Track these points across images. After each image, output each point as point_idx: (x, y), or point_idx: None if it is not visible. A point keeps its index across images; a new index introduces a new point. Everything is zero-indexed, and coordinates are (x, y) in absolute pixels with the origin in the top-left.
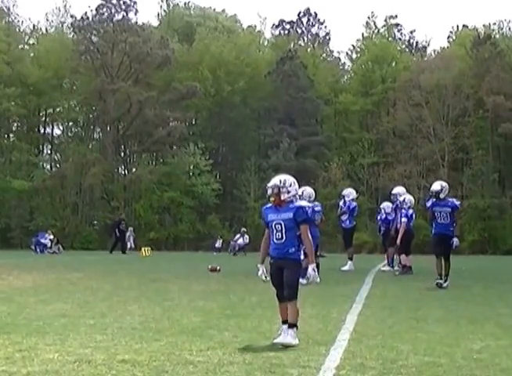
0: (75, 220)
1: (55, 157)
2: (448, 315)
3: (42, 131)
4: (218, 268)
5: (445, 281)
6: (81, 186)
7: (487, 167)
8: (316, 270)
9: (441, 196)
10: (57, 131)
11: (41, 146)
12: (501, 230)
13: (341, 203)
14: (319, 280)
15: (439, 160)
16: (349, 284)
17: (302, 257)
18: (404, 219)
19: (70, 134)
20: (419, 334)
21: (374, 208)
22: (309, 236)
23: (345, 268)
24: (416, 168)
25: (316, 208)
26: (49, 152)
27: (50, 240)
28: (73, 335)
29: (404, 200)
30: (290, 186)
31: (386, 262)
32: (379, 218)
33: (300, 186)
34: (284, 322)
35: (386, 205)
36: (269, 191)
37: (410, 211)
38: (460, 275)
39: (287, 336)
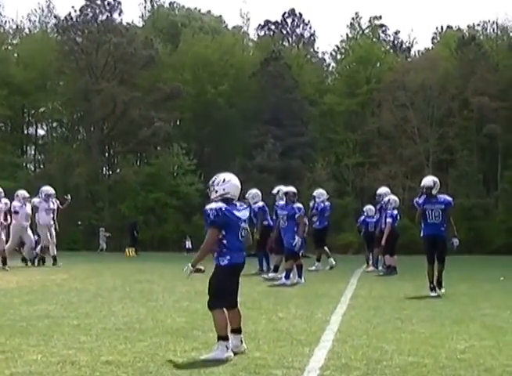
0: (60, 220)
1: (40, 158)
2: (433, 315)
3: (26, 131)
4: (203, 268)
5: (440, 289)
6: (66, 186)
7: (472, 167)
8: (300, 271)
9: (434, 192)
10: (41, 132)
11: (25, 147)
12: (486, 230)
13: (311, 204)
14: (303, 280)
15: (424, 160)
16: (334, 285)
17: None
18: (389, 220)
19: (54, 134)
20: (403, 334)
21: (359, 209)
22: (208, 240)
23: (312, 268)
24: (401, 168)
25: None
26: (33, 153)
27: (34, 240)
28: (57, 336)
29: (389, 200)
30: (218, 184)
31: (367, 264)
32: (362, 219)
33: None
34: (234, 330)
35: (368, 208)
36: None
37: (395, 212)
38: (446, 275)
39: (214, 350)
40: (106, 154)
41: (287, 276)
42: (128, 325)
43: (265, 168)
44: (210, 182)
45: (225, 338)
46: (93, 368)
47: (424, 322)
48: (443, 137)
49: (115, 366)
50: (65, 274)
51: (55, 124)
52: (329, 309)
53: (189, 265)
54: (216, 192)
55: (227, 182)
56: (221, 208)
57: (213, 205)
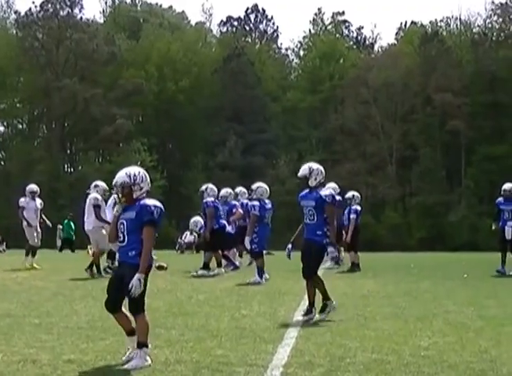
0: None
1: (0, 155)
2: (397, 312)
3: None
4: (165, 266)
5: (324, 309)
6: (26, 184)
7: (435, 164)
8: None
9: (311, 183)
10: (1, 129)
11: None
12: (449, 227)
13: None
14: (265, 279)
15: (387, 157)
16: (297, 282)
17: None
18: (353, 216)
19: (14, 131)
20: (367, 331)
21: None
22: (149, 240)
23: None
24: (364, 165)
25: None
26: None
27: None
28: (18, 335)
29: (353, 196)
30: (143, 181)
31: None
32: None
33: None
34: (128, 332)
35: None
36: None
37: (358, 208)
38: (409, 272)
39: (136, 358)
40: (67, 152)
41: (260, 274)
42: (90, 323)
43: (226, 165)
44: (132, 181)
45: (147, 345)
46: (55, 367)
47: (388, 319)
48: (406, 134)
49: (77, 364)
50: (26, 272)
51: (15, 121)
52: (293, 306)
53: (140, 275)
54: (141, 189)
55: (147, 177)
56: (161, 208)
57: (156, 203)
